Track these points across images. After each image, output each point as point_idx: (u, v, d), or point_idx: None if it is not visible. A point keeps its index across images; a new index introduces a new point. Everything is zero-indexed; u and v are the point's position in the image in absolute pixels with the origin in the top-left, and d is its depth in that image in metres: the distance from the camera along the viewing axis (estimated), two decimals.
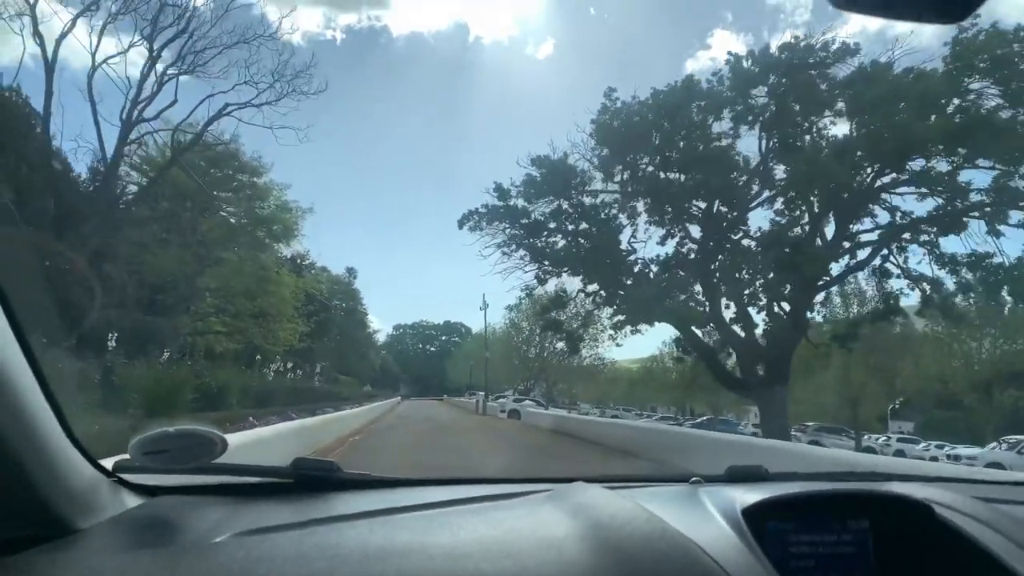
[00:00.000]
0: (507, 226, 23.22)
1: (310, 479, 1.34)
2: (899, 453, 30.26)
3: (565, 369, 42.77)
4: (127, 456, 1.20)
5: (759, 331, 20.82)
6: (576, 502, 1.18)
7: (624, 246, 23.03)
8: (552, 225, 23.25)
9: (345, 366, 71.13)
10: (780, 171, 20.63)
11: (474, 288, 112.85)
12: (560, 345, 41.76)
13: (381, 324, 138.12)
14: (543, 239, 23.51)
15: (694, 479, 1.54)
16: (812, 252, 18.57)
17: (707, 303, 21.20)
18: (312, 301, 34.00)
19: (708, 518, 1.14)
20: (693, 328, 21.35)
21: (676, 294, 20.35)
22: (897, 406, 50.67)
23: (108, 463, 1.24)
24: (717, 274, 21.06)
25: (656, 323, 22.13)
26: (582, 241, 22.79)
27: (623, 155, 22.14)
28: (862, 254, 19.62)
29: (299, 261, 61.84)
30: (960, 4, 0.74)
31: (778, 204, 20.65)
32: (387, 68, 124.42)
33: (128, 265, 24.16)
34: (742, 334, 20.91)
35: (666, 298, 20.26)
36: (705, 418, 51.42)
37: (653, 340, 73.52)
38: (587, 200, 23.71)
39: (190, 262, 25.05)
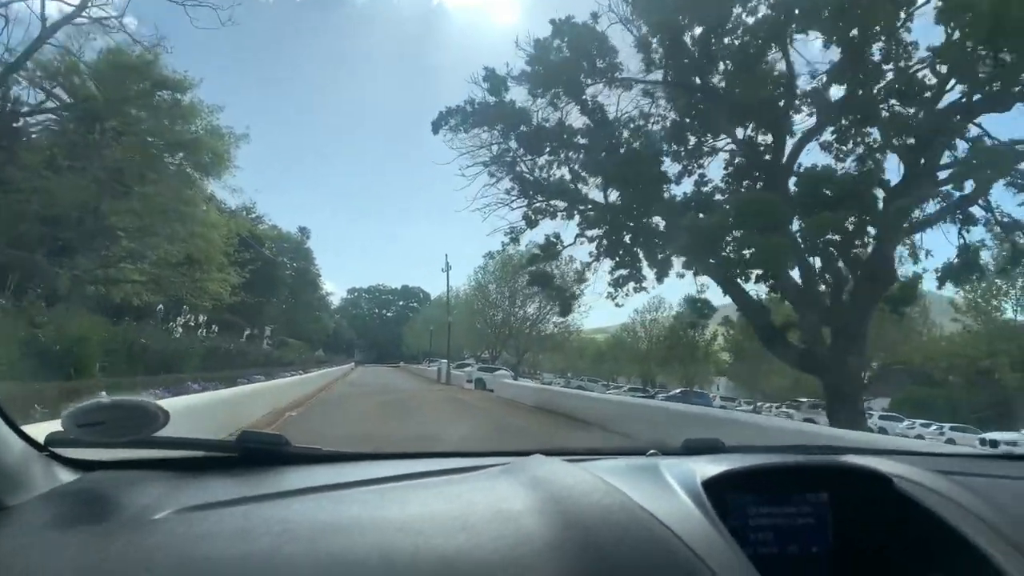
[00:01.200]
0: (498, 134, 18.48)
1: (257, 453, 1.28)
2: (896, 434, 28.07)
3: (535, 337, 39.31)
4: (60, 428, 1.11)
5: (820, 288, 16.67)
6: (534, 475, 1.16)
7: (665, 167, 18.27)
8: (563, 136, 18.42)
9: (295, 329, 67.66)
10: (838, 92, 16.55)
11: (434, 251, 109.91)
12: (529, 310, 38.33)
13: (336, 288, 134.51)
14: (547, 156, 19.06)
15: (651, 451, 1.54)
16: (897, 191, 15.18)
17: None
18: (248, 247, 29.36)
19: (668, 490, 1.12)
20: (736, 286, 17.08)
21: (752, 230, 14.98)
22: (865, 380, 49.74)
23: (40, 436, 1.17)
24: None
25: (698, 273, 17.95)
26: (602, 155, 17.82)
27: (667, 35, 16.92)
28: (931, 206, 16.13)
29: (246, 214, 57.63)
30: None
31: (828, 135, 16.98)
32: (348, 27, 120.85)
33: (20, 194, 19.61)
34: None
35: (728, 236, 15.90)
36: (679, 391, 49.35)
37: (634, 303, 70.69)
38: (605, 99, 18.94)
39: (97, 193, 20.48)
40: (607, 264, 19.05)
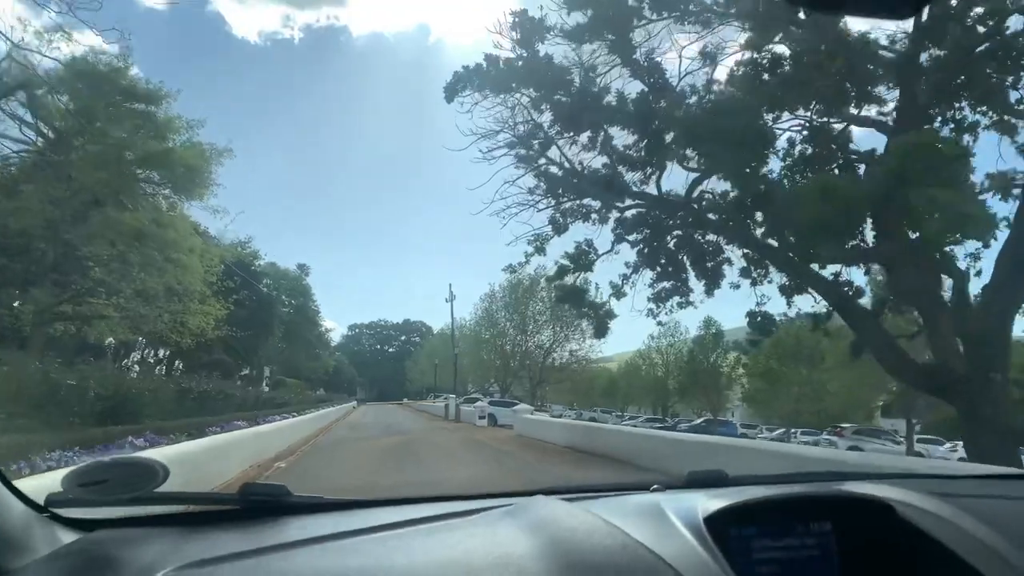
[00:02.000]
0: (527, 104, 15.03)
1: (259, 504, 1.30)
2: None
3: (550, 367, 36.33)
4: (60, 489, 1.13)
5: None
6: (535, 517, 1.17)
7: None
8: (608, 104, 14.87)
9: (294, 368, 65.41)
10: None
11: (435, 285, 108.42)
12: (542, 337, 35.58)
13: (337, 325, 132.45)
14: (587, 134, 15.60)
15: (654, 487, 1.54)
16: None
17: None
18: (233, 277, 26.74)
19: (670, 528, 1.12)
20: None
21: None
22: (883, 401, 46.26)
23: (40, 497, 1.17)
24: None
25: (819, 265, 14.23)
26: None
27: None
28: None
29: (240, 248, 55.48)
30: (909, 2, 0.74)
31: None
32: (346, 67, 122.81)
33: None
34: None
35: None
36: (701, 420, 46.31)
37: (641, 332, 68.29)
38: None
39: (61, 217, 18.11)
40: (647, 276, 16.33)
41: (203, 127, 19.88)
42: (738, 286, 15.72)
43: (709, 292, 15.96)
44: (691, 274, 16.04)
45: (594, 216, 16.25)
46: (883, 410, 45.87)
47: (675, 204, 15.45)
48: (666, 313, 16.72)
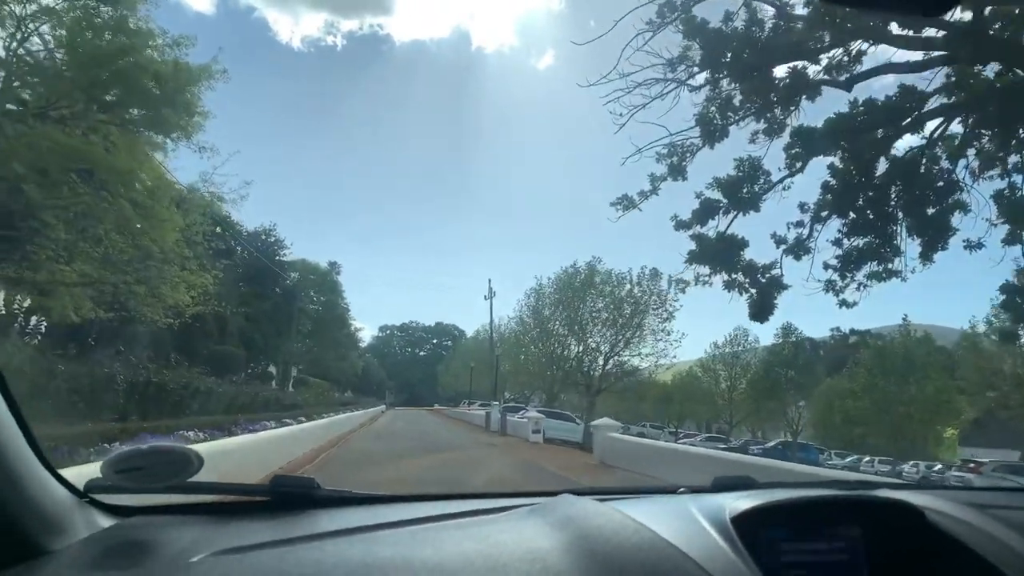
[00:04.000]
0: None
1: (289, 496, 1.30)
2: None
3: (613, 374, 30.57)
4: (99, 475, 1.14)
5: None
6: (562, 514, 1.16)
7: None
8: None
9: (322, 368, 61.64)
10: None
11: (469, 289, 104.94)
12: (598, 339, 30.08)
13: (367, 326, 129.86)
14: None
15: (681, 489, 1.52)
16: None
17: None
18: (225, 237, 21.99)
19: (697, 527, 1.11)
20: None
21: None
22: (957, 429, 39.23)
23: (79, 482, 1.18)
24: None
25: None
26: None
27: None
28: None
29: (265, 237, 51.75)
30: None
31: None
32: (388, 74, 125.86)
33: None
34: None
35: None
36: (776, 443, 40.25)
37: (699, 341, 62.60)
38: None
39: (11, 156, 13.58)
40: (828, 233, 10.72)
41: (193, 46, 15.06)
42: (979, 246, 10.04)
43: (927, 256, 10.39)
44: (901, 227, 10.40)
45: (768, 117, 10.62)
46: (961, 438, 39.21)
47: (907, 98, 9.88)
48: (857, 288, 11.12)
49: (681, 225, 12.00)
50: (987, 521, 1.25)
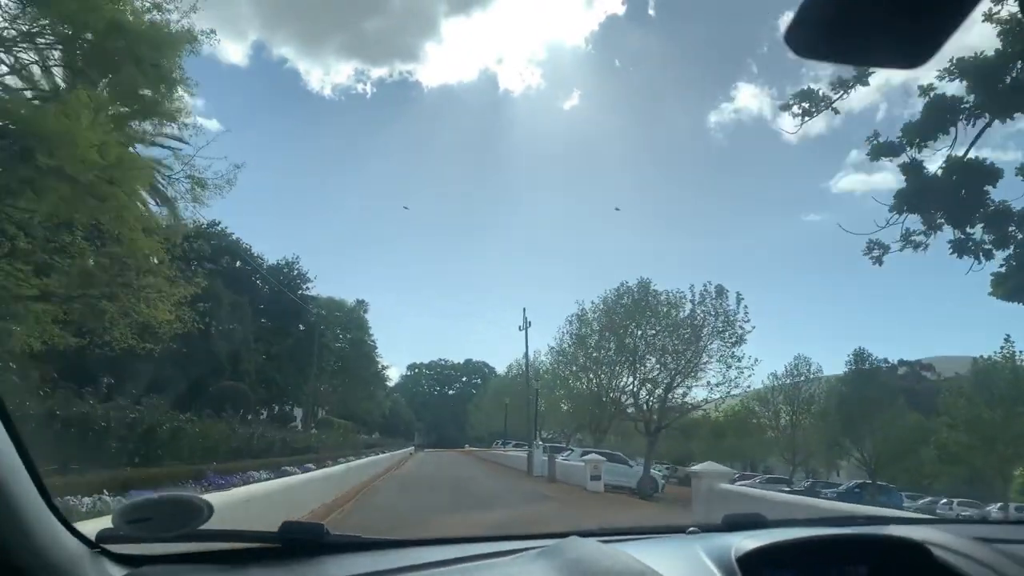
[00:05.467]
0: None
1: (298, 543, 1.28)
2: None
3: (679, 408, 26.38)
4: (110, 525, 1.15)
5: None
6: (570, 558, 1.15)
7: None
8: None
9: (348, 408, 58.77)
10: None
11: (497, 328, 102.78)
12: (652, 368, 26.26)
13: (394, 365, 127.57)
14: None
15: (691, 528, 1.51)
16: None
17: None
18: (208, 256, 18.95)
19: (703, 568, 1.11)
20: None
21: None
22: None
23: (91, 533, 1.17)
24: None
25: None
26: None
27: None
28: None
29: (287, 270, 49.47)
30: (916, 51, 0.74)
31: None
32: (417, 117, 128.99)
33: None
34: None
35: None
36: (852, 485, 35.57)
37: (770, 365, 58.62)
38: None
39: None
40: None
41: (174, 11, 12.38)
42: None
43: None
44: None
45: None
46: None
47: None
48: None
49: (883, 150, 8.31)
50: (993, 556, 1.25)
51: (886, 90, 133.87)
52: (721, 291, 25.06)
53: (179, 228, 12.87)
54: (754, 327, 24.80)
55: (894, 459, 36.79)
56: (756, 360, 25.25)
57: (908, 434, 35.16)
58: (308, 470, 12.51)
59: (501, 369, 76.19)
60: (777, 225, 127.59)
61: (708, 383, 24.51)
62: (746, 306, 24.78)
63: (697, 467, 11.97)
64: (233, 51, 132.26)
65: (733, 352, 24.67)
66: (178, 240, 12.77)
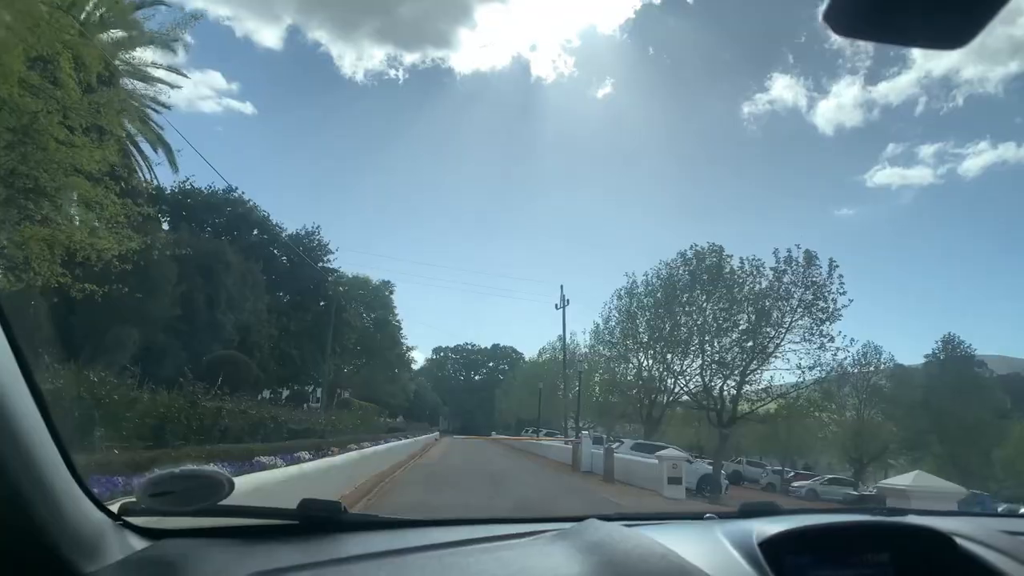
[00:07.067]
0: None
1: (317, 520, 1.29)
2: None
3: (745, 396, 22.35)
4: (133, 498, 1.16)
5: None
6: (589, 539, 1.14)
7: None
8: None
9: (370, 390, 55.71)
10: None
11: (527, 311, 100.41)
12: (737, 358, 22.11)
13: (418, 346, 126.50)
14: None
15: (708, 515, 1.50)
16: None
17: None
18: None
19: (725, 552, 1.11)
20: None
21: None
22: None
23: (114, 506, 1.19)
24: None
25: None
26: None
27: None
28: None
29: (307, 239, 46.04)
30: (956, 32, 0.74)
31: None
32: (449, 106, 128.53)
33: None
34: None
35: None
36: (969, 494, 30.98)
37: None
38: None
39: None
40: None
41: None
42: None
43: None
44: None
45: None
46: None
47: None
48: None
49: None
50: (1018, 546, 1.22)
51: (925, 83, 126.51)
52: (811, 258, 20.86)
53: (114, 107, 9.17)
54: (852, 300, 20.60)
55: (972, 460, 32.31)
56: (852, 340, 21.09)
57: (987, 432, 30.58)
58: (297, 460, 8.86)
59: (530, 355, 72.71)
60: (815, 221, 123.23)
61: (798, 365, 20.38)
62: (841, 275, 20.59)
63: (894, 480, 8.01)
64: (268, 35, 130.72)
65: (822, 329, 20.51)
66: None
